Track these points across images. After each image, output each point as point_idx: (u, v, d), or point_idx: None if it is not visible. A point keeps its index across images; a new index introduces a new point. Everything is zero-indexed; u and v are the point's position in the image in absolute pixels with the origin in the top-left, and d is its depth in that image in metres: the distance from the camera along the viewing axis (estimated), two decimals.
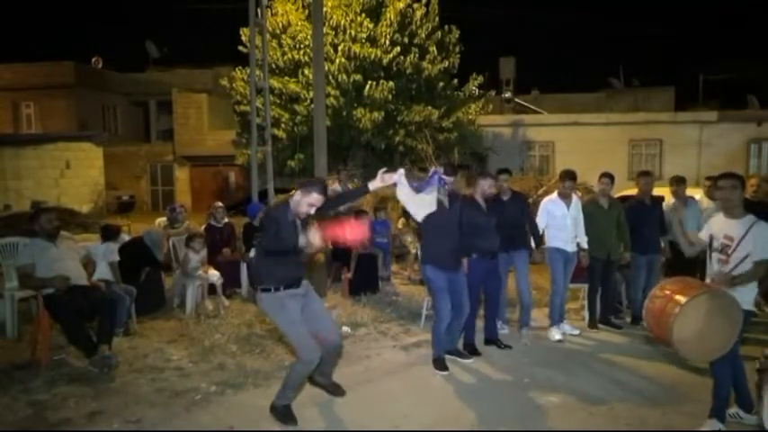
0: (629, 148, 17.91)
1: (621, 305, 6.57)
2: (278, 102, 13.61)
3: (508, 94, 22.90)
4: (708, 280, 3.77)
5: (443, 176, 4.73)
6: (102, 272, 5.82)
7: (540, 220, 5.87)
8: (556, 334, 5.73)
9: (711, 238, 3.84)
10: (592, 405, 4.18)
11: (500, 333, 5.65)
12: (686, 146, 17.16)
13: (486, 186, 5.17)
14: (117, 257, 6.04)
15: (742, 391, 3.75)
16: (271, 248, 3.74)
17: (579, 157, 15.24)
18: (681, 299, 3.41)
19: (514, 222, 5.63)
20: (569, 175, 5.81)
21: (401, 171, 4.22)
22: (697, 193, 6.83)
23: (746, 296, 3.62)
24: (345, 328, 5.94)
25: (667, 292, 3.55)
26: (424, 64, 13.86)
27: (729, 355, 3.53)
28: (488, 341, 5.48)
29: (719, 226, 3.83)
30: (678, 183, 6.38)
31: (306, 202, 3.73)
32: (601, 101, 22.49)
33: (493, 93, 18.37)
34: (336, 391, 4.27)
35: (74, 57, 22.28)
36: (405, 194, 4.55)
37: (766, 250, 3.56)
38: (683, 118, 17.89)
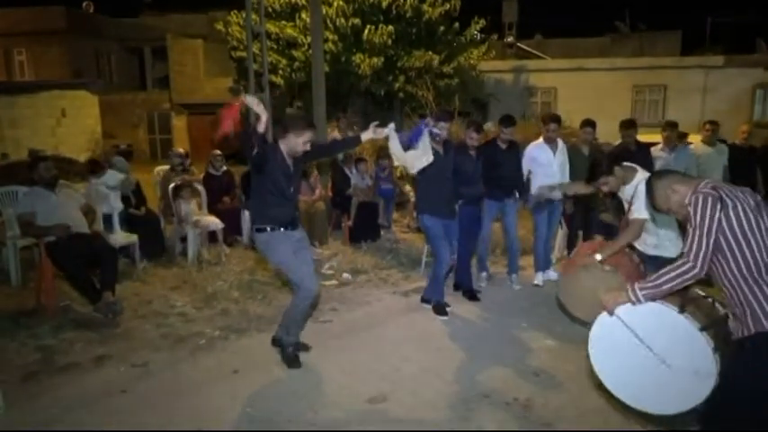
0: (633, 93, 17.62)
1: None
2: (275, 47, 13.31)
3: (510, 39, 22.33)
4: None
5: (434, 129, 4.64)
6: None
7: (524, 167, 5.73)
8: (537, 280, 5.82)
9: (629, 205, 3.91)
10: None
11: (481, 284, 5.68)
12: (691, 91, 16.85)
13: (467, 138, 5.17)
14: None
15: None
16: (263, 189, 3.72)
17: (582, 103, 14.99)
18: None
19: (511, 173, 5.55)
20: (553, 118, 5.65)
21: (391, 125, 4.28)
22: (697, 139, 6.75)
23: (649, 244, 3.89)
24: (346, 275, 6.02)
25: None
26: (425, 7, 13.46)
27: None
28: (458, 287, 5.50)
29: (622, 193, 3.88)
30: (671, 128, 6.22)
31: (301, 141, 3.70)
32: (606, 45, 21.95)
33: (495, 37, 17.90)
34: (304, 348, 4.15)
35: (64, 1, 21.63)
36: (396, 149, 4.51)
37: (641, 209, 3.63)
38: (688, 62, 17.52)
